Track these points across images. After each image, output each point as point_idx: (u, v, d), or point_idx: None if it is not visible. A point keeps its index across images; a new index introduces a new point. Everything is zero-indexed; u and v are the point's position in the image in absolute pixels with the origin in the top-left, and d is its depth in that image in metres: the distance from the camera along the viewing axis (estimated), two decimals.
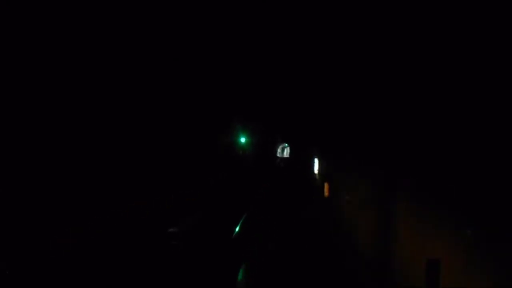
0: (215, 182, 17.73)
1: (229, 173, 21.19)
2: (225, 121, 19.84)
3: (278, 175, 26.80)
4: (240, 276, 7.71)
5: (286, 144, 36.98)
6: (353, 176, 8.88)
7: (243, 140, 27.34)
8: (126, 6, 6.86)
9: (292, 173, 25.74)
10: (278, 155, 38.45)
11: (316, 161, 16.76)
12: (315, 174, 17.07)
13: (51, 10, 6.24)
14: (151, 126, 11.25)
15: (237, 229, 10.41)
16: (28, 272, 6.53)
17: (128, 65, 9.06)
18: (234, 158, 25.10)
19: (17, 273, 6.35)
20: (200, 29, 8.40)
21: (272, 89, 15.17)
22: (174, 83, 11.45)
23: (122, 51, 8.53)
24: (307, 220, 12.64)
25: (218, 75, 12.64)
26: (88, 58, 7.72)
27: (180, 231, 10.74)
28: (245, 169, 25.73)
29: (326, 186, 13.44)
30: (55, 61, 6.88)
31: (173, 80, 11.29)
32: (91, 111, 8.32)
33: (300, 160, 23.75)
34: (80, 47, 7.20)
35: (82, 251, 7.76)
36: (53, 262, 6.99)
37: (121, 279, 7.37)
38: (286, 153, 38.73)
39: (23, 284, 6.40)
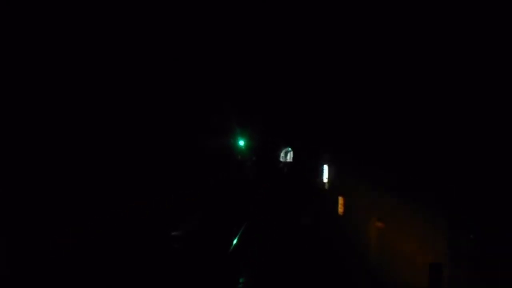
0: (215, 182, 17.72)
1: (228, 173, 21.17)
2: (223, 122, 19.78)
3: (281, 183, 25.11)
4: (242, 279, 7.73)
5: (290, 148, 36.21)
6: (390, 196, 6.50)
7: (241, 143, 25.10)
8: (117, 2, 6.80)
9: (297, 180, 23.70)
10: (281, 159, 38.08)
11: (326, 168, 14.55)
12: (324, 183, 14.81)
13: (49, 9, 6.23)
14: (151, 126, 11.24)
15: (235, 240, 10.34)
16: (28, 272, 6.50)
17: (128, 66, 9.04)
18: (231, 163, 23.78)
19: (17, 273, 6.33)
20: (196, 24, 8.33)
21: (274, 89, 14.62)
22: (173, 83, 11.44)
23: (123, 51, 8.50)
24: (315, 245, 10.36)
25: (218, 75, 12.60)
26: (86, 58, 7.71)
27: (181, 233, 10.75)
28: (244, 175, 24.93)
29: (340, 200, 10.85)
30: (48, 60, 6.86)
31: (172, 80, 11.28)
32: (90, 110, 8.30)
33: (305, 166, 21.38)
34: (74, 46, 7.18)
35: (82, 251, 7.74)
36: (53, 262, 6.96)
37: (122, 280, 7.36)
38: (290, 157, 38.09)
39: (23, 284, 6.37)
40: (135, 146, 10.40)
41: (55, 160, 7.48)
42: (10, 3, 5.92)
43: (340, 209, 10.75)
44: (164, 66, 10.25)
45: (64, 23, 6.64)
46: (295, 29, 8.03)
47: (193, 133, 14.69)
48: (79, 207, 7.98)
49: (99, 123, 8.69)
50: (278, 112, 18.88)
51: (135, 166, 10.32)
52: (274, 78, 12.77)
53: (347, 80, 9.05)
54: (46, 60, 6.85)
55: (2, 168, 6.36)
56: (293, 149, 33.53)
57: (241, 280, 7.68)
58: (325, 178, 14.57)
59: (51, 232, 7.16)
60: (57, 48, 6.88)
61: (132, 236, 9.38)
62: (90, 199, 8.31)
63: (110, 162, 9.13)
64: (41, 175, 7.15)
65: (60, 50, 6.95)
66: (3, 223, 6.28)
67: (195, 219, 12.33)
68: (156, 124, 11.47)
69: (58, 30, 6.70)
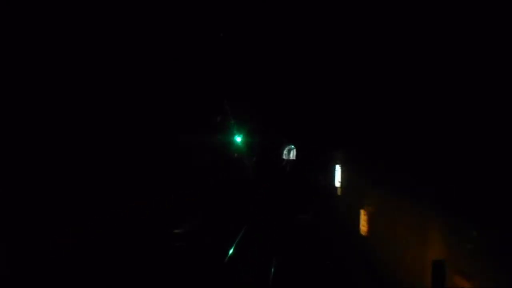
0: (215, 182, 17.72)
1: (229, 173, 21.17)
2: (223, 121, 19.69)
3: (282, 183, 24.15)
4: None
5: (293, 146, 35.66)
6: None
7: (242, 142, 23.68)
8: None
9: (299, 179, 22.42)
10: (284, 157, 37.78)
11: (338, 169, 12.08)
12: (335, 187, 12.21)
13: (48, 8, 6.23)
14: (151, 126, 11.24)
15: (235, 240, 10.32)
16: (28, 272, 6.51)
17: (130, 68, 9.04)
18: (231, 162, 23.14)
19: (17, 273, 6.34)
20: (196, 23, 8.23)
21: (276, 84, 13.98)
22: (173, 83, 11.44)
23: (123, 52, 8.50)
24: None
25: (218, 74, 12.52)
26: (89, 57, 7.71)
27: (183, 232, 10.79)
28: (245, 174, 24.54)
29: (363, 215, 8.04)
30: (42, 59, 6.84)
31: (172, 80, 11.28)
32: (90, 110, 8.31)
33: (308, 165, 19.77)
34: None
35: (82, 251, 7.75)
36: (53, 262, 6.97)
37: (123, 279, 7.38)
38: (293, 155, 37.68)
39: (23, 284, 6.38)
40: (135, 146, 10.41)
41: (55, 161, 7.49)
42: (10, 3, 5.92)
43: (363, 228, 7.99)
44: (164, 66, 10.24)
45: (62, 22, 6.64)
46: (302, 19, 7.69)
47: (193, 133, 14.70)
48: (79, 207, 7.99)
49: (99, 123, 8.70)
50: (280, 108, 18.29)
51: (134, 166, 10.33)
52: (275, 72, 12.26)
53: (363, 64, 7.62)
54: (45, 60, 6.85)
55: (3, 168, 6.37)
56: (296, 147, 33.02)
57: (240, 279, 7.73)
58: (338, 182, 12.07)
59: (51, 232, 7.17)
60: (56, 48, 6.88)
61: (132, 236, 9.39)
62: (90, 199, 8.32)
63: (110, 162, 9.14)
64: (42, 176, 7.16)
65: (59, 50, 6.95)
66: (3, 223, 6.29)
67: (196, 219, 12.34)
68: (156, 124, 11.48)
69: (56, 29, 6.70)
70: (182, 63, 10.50)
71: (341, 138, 11.54)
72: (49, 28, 6.48)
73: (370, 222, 7.73)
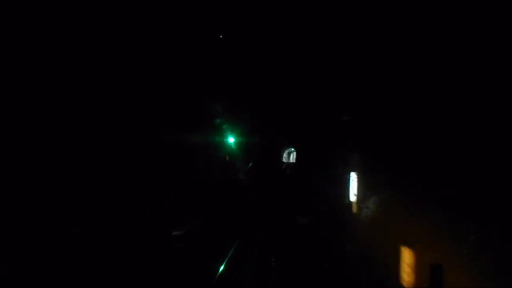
0: (215, 183, 17.71)
1: (229, 174, 21.14)
2: (224, 122, 19.64)
3: (282, 184, 23.33)
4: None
5: (293, 149, 35.43)
6: None
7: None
8: None
9: (299, 183, 21.52)
10: (284, 160, 37.81)
11: (354, 178, 9.63)
12: (350, 202, 9.87)
13: (49, 8, 6.23)
14: (151, 126, 11.23)
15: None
16: (28, 272, 6.50)
17: (129, 64, 9.03)
18: (232, 163, 22.28)
19: (17, 273, 6.33)
20: (195, 21, 8.20)
21: (276, 84, 13.69)
22: (172, 82, 11.43)
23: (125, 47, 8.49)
24: None
25: (218, 74, 12.49)
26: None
27: (183, 233, 10.79)
28: (245, 175, 24.35)
29: (406, 257, 5.35)
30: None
31: (171, 79, 11.27)
32: (89, 111, 8.30)
33: (310, 167, 18.46)
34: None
35: (82, 251, 7.74)
36: (53, 262, 6.96)
37: (123, 280, 7.37)
38: (293, 158, 37.67)
39: (23, 284, 6.37)
40: (135, 146, 10.40)
41: (55, 161, 7.48)
42: (10, 3, 5.92)
43: (408, 277, 5.18)
44: (164, 66, 10.23)
45: (62, 23, 6.64)
46: (305, 19, 7.56)
47: (193, 133, 14.69)
48: (79, 207, 7.98)
49: (99, 123, 8.70)
50: (280, 108, 18.04)
51: (134, 166, 10.32)
52: (275, 72, 12.03)
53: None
54: (44, 60, 6.85)
55: (3, 168, 6.37)
56: (296, 149, 32.86)
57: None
58: (353, 195, 9.64)
59: (51, 232, 7.16)
60: (57, 48, 6.88)
61: (132, 236, 9.38)
62: (90, 199, 8.31)
63: (110, 162, 9.13)
64: (41, 175, 7.16)
65: (60, 50, 6.95)
66: (3, 223, 6.28)
67: (195, 220, 12.34)
68: (155, 124, 11.47)
69: (57, 29, 6.70)
70: (182, 63, 10.48)
71: (356, 138, 9.14)
72: (49, 29, 6.48)
73: (418, 269, 4.70)
